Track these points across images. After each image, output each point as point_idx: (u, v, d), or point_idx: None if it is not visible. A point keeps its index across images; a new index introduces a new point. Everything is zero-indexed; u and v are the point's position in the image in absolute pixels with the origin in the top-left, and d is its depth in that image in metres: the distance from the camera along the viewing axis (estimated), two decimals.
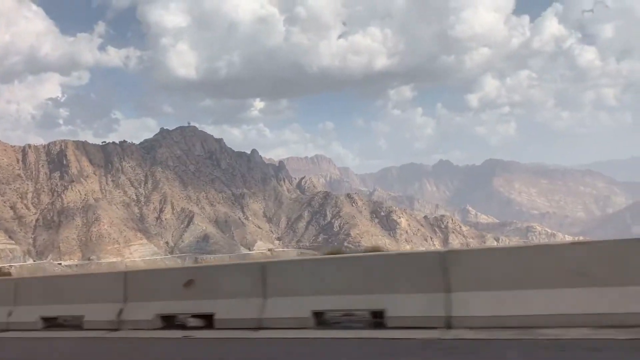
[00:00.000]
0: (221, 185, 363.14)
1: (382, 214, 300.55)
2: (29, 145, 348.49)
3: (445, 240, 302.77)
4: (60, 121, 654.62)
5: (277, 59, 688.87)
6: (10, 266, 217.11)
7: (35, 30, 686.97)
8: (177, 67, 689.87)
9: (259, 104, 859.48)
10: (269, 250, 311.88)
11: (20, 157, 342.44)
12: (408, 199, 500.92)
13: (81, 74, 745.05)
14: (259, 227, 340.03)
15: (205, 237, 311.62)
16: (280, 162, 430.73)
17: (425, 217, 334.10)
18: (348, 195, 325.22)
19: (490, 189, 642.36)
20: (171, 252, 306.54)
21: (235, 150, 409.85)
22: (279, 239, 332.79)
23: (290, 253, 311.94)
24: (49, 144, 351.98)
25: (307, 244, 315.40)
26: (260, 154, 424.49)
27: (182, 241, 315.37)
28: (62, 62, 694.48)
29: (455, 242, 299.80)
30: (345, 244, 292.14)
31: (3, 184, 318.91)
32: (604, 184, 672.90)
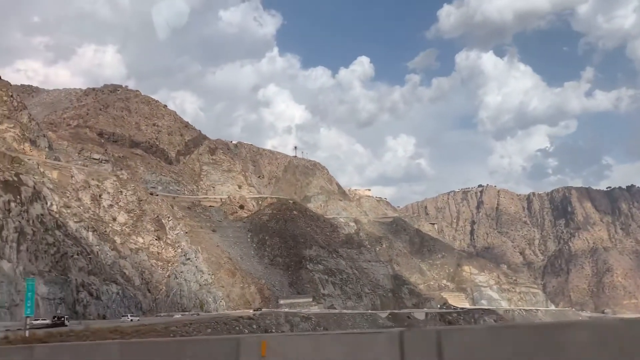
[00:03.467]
0: None
1: None
2: (533, 194, 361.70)
3: None
4: (549, 170, 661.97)
5: None
6: (537, 310, 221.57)
7: (523, 87, 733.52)
8: None
9: None
10: None
11: (525, 205, 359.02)
12: None
13: (568, 122, 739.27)
14: None
15: None
16: None
17: None
18: None
19: None
20: None
21: None
22: None
23: None
24: (551, 192, 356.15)
25: None
26: None
27: None
28: (549, 113, 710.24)
29: None
30: None
31: (512, 230, 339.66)
32: None
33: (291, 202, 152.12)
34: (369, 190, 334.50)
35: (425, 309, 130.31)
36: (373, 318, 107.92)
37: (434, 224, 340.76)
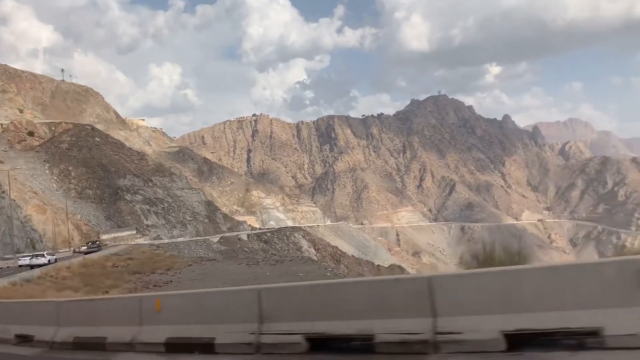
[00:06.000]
0: (478, 152, 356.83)
1: None
2: (302, 122, 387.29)
3: None
4: (307, 102, 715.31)
5: (514, 19, 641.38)
6: (318, 226, 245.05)
7: (283, 20, 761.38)
8: (410, 41, 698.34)
9: (494, 69, 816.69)
10: (539, 220, 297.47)
11: (295, 133, 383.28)
12: None
13: (322, 57, 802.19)
14: (524, 196, 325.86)
15: (469, 206, 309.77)
16: (535, 127, 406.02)
17: None
18: (634, 160, 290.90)
19: None
20: (435, 220, 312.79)
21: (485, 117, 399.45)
22: (548, 209, 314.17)
23: (564, 225, 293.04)
24: (317, 120, 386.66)
25: (584, 215, 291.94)
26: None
27: (445, 209, 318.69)
28: (306, 47, 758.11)
29: None
30: (636, 215, 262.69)
31: (284, 156, 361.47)
32: None
33: (89, 127, 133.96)
34: (144, 120, 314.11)
35: (246, 232, 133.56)
36: (207, 243, 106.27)
37: (213, 152, 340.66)
